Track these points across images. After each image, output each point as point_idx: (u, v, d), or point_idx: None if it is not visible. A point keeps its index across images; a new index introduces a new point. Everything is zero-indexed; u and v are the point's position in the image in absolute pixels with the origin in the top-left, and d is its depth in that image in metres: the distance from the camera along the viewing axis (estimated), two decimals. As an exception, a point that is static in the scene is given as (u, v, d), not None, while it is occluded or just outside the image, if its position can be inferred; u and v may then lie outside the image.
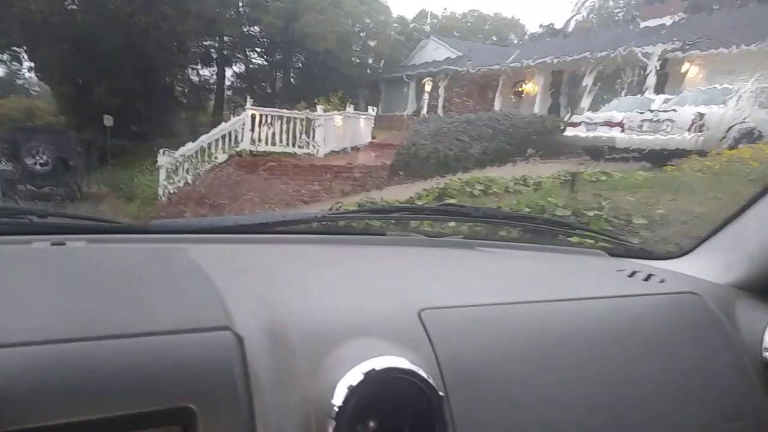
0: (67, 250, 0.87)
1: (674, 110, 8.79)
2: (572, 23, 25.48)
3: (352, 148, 12.83)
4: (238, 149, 10.87)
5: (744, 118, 7.86)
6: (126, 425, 0.51)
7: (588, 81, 14.75)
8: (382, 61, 23.34)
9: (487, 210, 1.32)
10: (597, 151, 10.02)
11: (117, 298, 0.66)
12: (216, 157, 10.70)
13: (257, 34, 22.53)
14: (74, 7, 16.42)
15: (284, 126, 11.40)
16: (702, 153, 7.11)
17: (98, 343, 0.55)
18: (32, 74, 21.23)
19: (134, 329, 0.57)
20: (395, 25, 25.48)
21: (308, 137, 11.62)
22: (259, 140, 11.09)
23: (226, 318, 0.62)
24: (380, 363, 0.62)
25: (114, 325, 0.58)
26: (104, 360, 0.53)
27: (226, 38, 21.95)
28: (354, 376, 0.61)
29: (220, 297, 0.67)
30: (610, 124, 9.97)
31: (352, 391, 0.60)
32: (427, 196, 6.29)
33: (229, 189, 9.55)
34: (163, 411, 0.52)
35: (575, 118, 11.70)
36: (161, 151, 10.82)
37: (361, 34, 23.05)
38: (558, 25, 27.43)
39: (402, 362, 0.64)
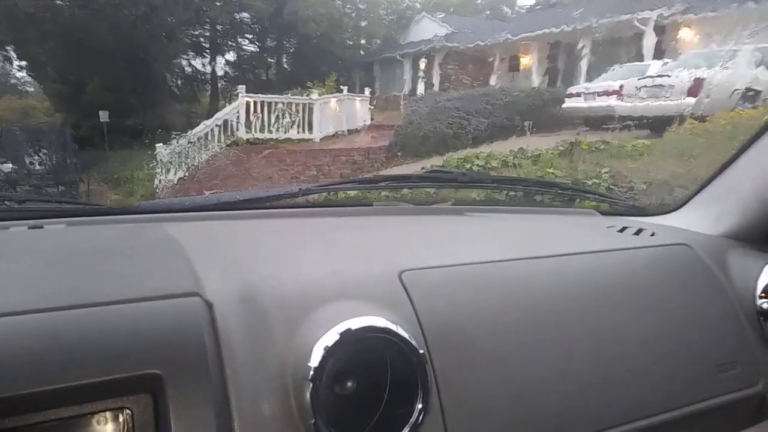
0: (44, 232, 0.86)
1: (673, 75, 8.67)
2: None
3: (349, 130, 12.75)
4: (234, 138, 10.82)
5: (743, 80, 7.75)
6: (92, 394, 0.50)
7: (584, 51, 14.53)
8: (376, 42, 23.05)
9: (475, 174, 1.30)
10: (596, 121, 9.91)
11: (86, 271, 0.64)
12: (213, 147, 10.66)
13: (248, 20, 22.24)
14: (61, 2, 16.19)
15: (280, 112, 11.32)
16: (702, 117, 7.03)
17: (63, 313, 0.53)
18: (24, 73, 21.02)
19: (100, 298, 0.56)
20: (387, 4, 25.08)
21: (304, 122, 11.55)
22: (255, 127, 11.03)
23: (195, 285, 0.61)
24: (357, 323, 0.61)
25: (80, 295, 0.56)
26: (69, 329, 0.52)
27: (217, 26, 21.69)
28: (330, 337, 0.59)
29: (191, 266, 0.65)
30: (608, 92, 9.85)
31: (329, 351, 0.59)
32: (426, 174, 6.24)
33: (226, 178, 9.53)
34: (129, 378, 0.51)
35: (573, 89, 11.55)
36: (158, 144, 10.78)
37: (353, 15, 22.73)
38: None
39: (380, 321, 0.62)
